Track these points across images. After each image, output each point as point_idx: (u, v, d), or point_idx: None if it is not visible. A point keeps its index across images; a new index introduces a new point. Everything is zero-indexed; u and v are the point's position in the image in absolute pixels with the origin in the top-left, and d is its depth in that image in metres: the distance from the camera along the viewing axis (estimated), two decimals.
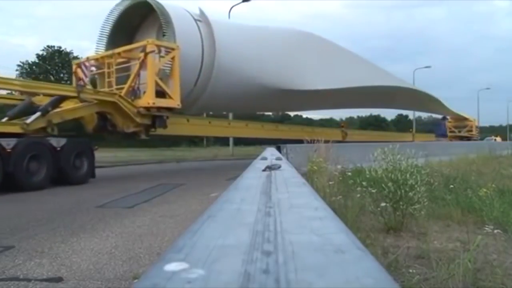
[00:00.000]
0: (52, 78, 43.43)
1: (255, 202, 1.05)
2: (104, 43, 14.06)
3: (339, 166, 7.82)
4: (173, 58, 12.07)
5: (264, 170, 2.04)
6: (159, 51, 11.89)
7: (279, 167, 2.21)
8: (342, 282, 0.48)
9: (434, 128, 33.98)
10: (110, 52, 13.08)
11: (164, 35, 12.60)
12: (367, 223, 4.79)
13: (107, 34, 14.18)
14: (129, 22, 14.24)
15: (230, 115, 28.81)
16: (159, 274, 0.49)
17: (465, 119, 35.96)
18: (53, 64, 46.49)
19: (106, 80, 12.79)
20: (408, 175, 4.81)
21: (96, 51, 14.07)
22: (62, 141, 10.45)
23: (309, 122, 52.22)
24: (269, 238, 0.68)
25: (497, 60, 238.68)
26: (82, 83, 12.96)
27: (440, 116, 36.93)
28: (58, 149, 10.25)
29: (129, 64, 12.71)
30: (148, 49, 11.57)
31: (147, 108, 12.00)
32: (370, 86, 19.69)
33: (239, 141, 35.07)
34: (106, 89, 12.43)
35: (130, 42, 13.46)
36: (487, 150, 17.36)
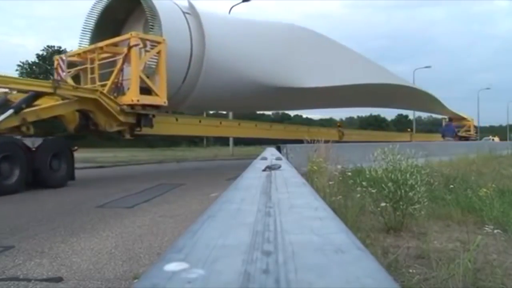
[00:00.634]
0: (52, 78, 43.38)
1: (255, 202, 1.05)
2: (88, 38, 13.22)
3: (339, 166, 7.81)
4: (159, 52, 11.36)
5: (264, 170, 2.04)
6: (145, 46, 11.20)
7: (279, 167, 2.21)
8: (342, 282, 0.48)
9: (444, 129, 34.27)
10: (92, 46, 12.33)
11: (151, 29, 11.81)
12: (367, 223, 4.80)
13: (90, 28, 13.31)
14: (114, 16, 13.37)
15: (230, 115, 28.80)
16: (159, 274, 0.49)
17: (463, 119, 35.94)
18: (53, 64, 46.46)
19: (89, 76, 12.08)
20: (408, 175, 4.81)
21: (80, 45, 13.22)
22: (38, 141, 9.75)
23: (309, 122, 52.23)
24: (269, 238, 0.68)
25: (497, 60, 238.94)
26: (59, 78, 12.02)
27: (440, 117, 36.95)
28: (33, 149, 9.50)
29: (114, 59, 11.89)
30: (131, 43, 10.86)
31: (131, 106, 11.28)
32: (369, 84, 19.06)
33: (239, 141, 35.06)
34: (89, 86, 11.67)
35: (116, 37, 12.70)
36: (487, 150, 17.35)
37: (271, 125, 20.61)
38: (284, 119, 50.37)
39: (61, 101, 10.68)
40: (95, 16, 13.34)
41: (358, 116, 77.41)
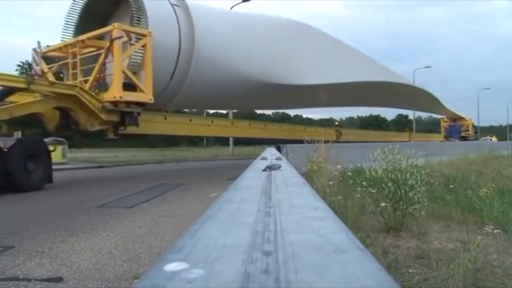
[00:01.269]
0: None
1: (255, 202, 1.05)
2: (72, 32, 12.25)
3: (339, 166, 7.81)
4: (144, 46, 10.60)
5: (264, 170, 2.04)
6: (130, 39, 10.47)
7: (279, 167, 2.21)
8: (342, 282, 0.48)
9: (450, 130, 34.66)
10: (73, 40, 11.50)
11: (137, 22, 11.02)
12: (367, 223, 4.79)
13: (74, 22, 12.33)
14: (100, 9, 12.51)
15: (230, 114, 28.72)
16: (159, 274, 0.49)
17: (462, 118, 35.97)
18: (53, 64, 46.43)
19: (70, 71, 11.36)
20: (408, 175, 4.81)
21: (62, 39, 12.24)
22: (11, 141, 9.12)
23: (309, 122, 52.21)
24: (269, 238, 0.68)
25: (497, 60, 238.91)
26: (33, 72, 11.22)
27: (440, 117, 36.99)
28: (6, 150, 8.83)
29: (98, 53, 11.02)
30: (114, 35, 10.13)
31: (114, 103, 10.48)
32: (369, 82, 18.45)
33: (239, 141, 35.07)
34: (71, 82, 10.96)
35: None
36: (487, 150, 17.36)
37: (266, 124, 19.74)
38: (284, 119, 50.40)
39: (38, 98, 9.93)
40: (79, 8, 12.49)
41: (358, 116, 77.50)
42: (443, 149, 16.96)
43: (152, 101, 10.92)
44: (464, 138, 33.97)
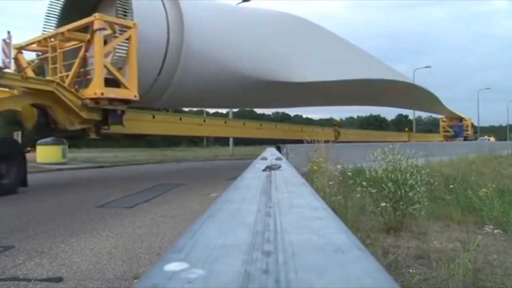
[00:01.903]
0: None
1: (255, 202, 1.05)
2: (54, 24, 11.27)
3: (339, 166, 7.82)
4: (129, 38, 9.80)
5: (264, 170, 2.04)
6: (114, 31, 9.77)
7: (279, 167, 2.21)
8: (342, 282, 0.48)
9: (456, 130, 35.10)
10: (53, 32, 10.69)
11: (125, 14, 10.19)
12: (367, 223, 4.80)
13: (56, 13, 11.36)
14: (84, 0, 11.54)
15: (230, 114, 28.65)
16: (159, 274, 0.49)
17: (460, 118, 36.03)
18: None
19: (50, 66, 10.61)
20: (408, 175, 4.81)
21: (43, 31, 11.28)
22: None
23: (309, 122, 52.19)
24: (269, 238, 0.68)
25: (497, 60, 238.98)
26: (3, 65, 10.27)
27: (439, 116, 37.01)
28: None
29: (80, 46, 10.21)
30: (95, 26, 9.33)
31: (95, 100, 9.65)
32: (369, 80, 17.64)
33: (239, 141, 35.07)
34: (50, 77, 10.27)
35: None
36: (487, 150, 17.36)
37: (261, 124, 18.72)
38: (284, 119, 50.36)
39: (12, 94, 9.34)
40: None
41: (358, 116, 77.48)
42: (443, 149, 16.97)
43: (137, 98, 10.07)
44: (464, 138, 34.08)
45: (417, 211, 4.70)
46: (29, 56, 11.74)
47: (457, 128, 35.69)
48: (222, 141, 38.38)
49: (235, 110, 30.30)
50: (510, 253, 3.73)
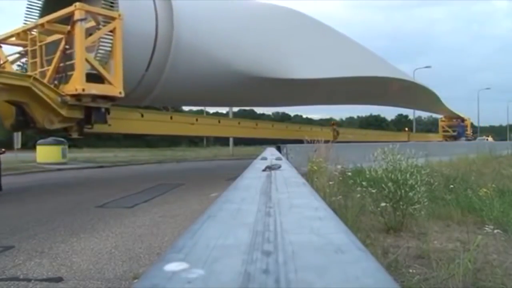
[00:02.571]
0: None
1: (255, 202, 1.05)
2: (37, 16, 10.39)
3: (339, 166, 7.82)
4: (113, 30, 9.05)
5: (264, 170, 2.04)
6: (98, 23, 9.08)
7: (279, 167, 2.21)
8: (342, 282, 0.48)
9: (459, 130, 35.46)
10: (32, 24, 9.91)
11: (112, 5, 9.36)
12: (367, 223, 4.80)
13: (39, 4, 10.50)
14: None
15: (230, 113, 28.58)
16: (159, 274, 0.49)
17: (460, 118, 36.04)
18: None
19: (30, 61, 9.91)
20: (408, 175, 4.81)
21: (25, 23, 10.36)
22: None
23: (309, 122, 52.19)
24: (269, 238, 0.68)
25: (497, 60, 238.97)
26: None
27: (440, 116, 37.02)
28: None
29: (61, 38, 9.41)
30: (75, 17, 8.60)
31: (76, 97, 8.88)
32: (369, 77, 16.96)
33: (239, 141, 35.08)
34: (31, 72, 9.49)
35: None
36: (487, 150, 17.35)
37: (257, 123, 17.84)
38: (284, 119, 50.37)
39: None
40: None
41: (358, 116, 77.47)
42: (443, 149, 16.96)
43: (123, 94, 9.29)
44: (457, 138, 34.10)
45: (417, 211, 4.70)
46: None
47: (460, 128, 35.90)
48: (222, 141, 38.37)
49: (235, 110, 30.24)
50: (510, 253, 3.73)
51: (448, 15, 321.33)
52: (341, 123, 44.93)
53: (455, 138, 33.98)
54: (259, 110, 51.45)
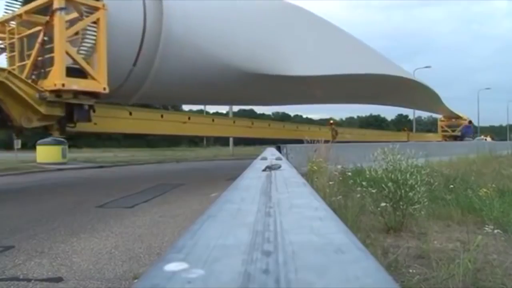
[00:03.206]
0: None
1: (255, 202, 1.05)
2: (19, 6, 9.43)
3: (339, 166, 7.82)
4: (96, 22, 8.46)
5: (264, 170, 2.04)
6: (81, 14, 8.44)
7: (279, 167, 2.20)
8: (342, 282, 0.48)
9: (465, 131, 35.80)
10: (9, 15, 9.23)
11: None
12: (367, 223, 4.80)
13: None
14: None
15: (230, 113, 28.52)
16: (159, 274, 0.49)
17: (459, 117, 35.99)
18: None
19: (8, 55, 9.33)
20: (408, 175, 4.81)
21: (5, 13, 9.56)
22: None
23: (309, 122, 52.17)
24: (269, 238, 0.68)
25: (497, 60, 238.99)
26: None
27: (439, 116, 37.01)
28: None
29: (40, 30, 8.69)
30: (55, 5, 8.03)
31: (56, 93, 8.21)
32: (370, 74, 16.30)
33: (239, 142, 35.10)
34: (9, 67, 8.89)
35: None
36: (487, 150, 17.35)
37: (253, 122, 17.08)
38: (284, 119, 50.38)
39: None
40: None
41: (358, 116, 77.48)
42: (443, 149, 16.95)
43: (107, 90, 8.64)
44: (462, 138, 34.06)
45: (417, 211, 4.70)
46: None
47: (467, 129, 36.22)
48: (222, 141, 38.39)
49: (235, 110, 30.21)
50: (510, 253, 3.73)
51: (448, 15, 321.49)
52: (341, 123, 44.79)
53: (455, 138, 33.95)
54: (259, 110, 51.44)
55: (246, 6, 12.69)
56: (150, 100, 13.88)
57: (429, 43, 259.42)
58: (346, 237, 0.68)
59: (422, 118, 63.89)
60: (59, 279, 3.51)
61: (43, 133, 11.16)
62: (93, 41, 8.50)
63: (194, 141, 44.93)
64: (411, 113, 44.16)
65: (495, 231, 4.08)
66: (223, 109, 35.82)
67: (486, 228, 4.18)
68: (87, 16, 8.42)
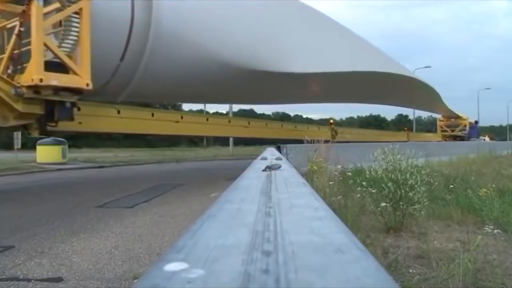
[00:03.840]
0: None
1: (255, 202, 1.05)
2: None
3: (339, 166, 7.82)
4: (79, 12, 7.80)
5: (264, 170, 2.04)
6: (62, 4, 7.81)
7: (279, 167, 2.20)
8: (342, 282, 0.48)
9: (470, 131, 36.16)
10: None
11: None
12: (367, 223, 4.80)
13: None
14: None
15: (230, 112, 28.46)
16: (159, 274, 0.49)
17: (459, 117, 35.95)
18: None
19: None
20: (408, 175, 4.81)
21: None
22: None
23: (309, 122, 52.14)
24: (269, 238, 0.68)
25: (497, 60, 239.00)
26: None
27: (438, 116, 37.00)
28: None
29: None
30: None
31: (34, 89, 7.53)
32: (371, 72, 15.75)
33: (239, 141, 35.09)
34: None
35: None
36: (487, 150, 17.36)
37: (250, 122, 16.50)
38: (284, 119, 50.40)
39: None
40: None
41: (358, 116, 77.49)
42: (443, 149, 16.95)
43: (90, 87, 7.95)
44: (461, 138, 34.01)
45: (417, 211, 4.69)
46: None
47: (471, 129, 36.55)
48: (222, 141, 38.37)
49: (235, 110, 30.16)
50: (510, 253, 3.73)
51: (448, 15, 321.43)
52: (341, 123, 44.76)
53: (455, 138, 33.92)
54: (259, 110, 51.50)
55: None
56: (141, 98, 13.14)
57: (429, 43, 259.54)
58: (346, 237, 0.68)
59: (422, 118, 63.87)
60: (59, 279, 3.51)
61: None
62: (76, 34, 7.82)
63: (194, 141, 44.93)
64: (411, 113, 44.13)
65: (495, 231, 4.08)
66: (223, 109, 35.84)
67: (486, 228, 4.18)
68: (68, 6, 7.79)
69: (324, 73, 13.45)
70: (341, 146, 10.86)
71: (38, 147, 17.72)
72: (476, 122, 37.85)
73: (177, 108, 29.76)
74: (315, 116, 68.30)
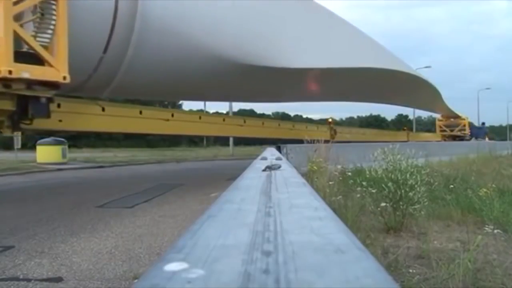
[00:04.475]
0: None
1: (255, 202, 1.05)
2: None
3: (339, 166, 7.82)
4: None
5: (264, 170, 2.04)
6: None
7: (279, 167, 2.20)
8: (342, 282, 0.48)
9: (477, 131, 36.69)
10: None
11: None
12: (367, 223, 4.80)
13: None
14: None
15: (230, 112, 28.40)
16: (159, 274, 0.49)
17: (458, 117, 35.87)
18: None
19: None
20: (408, 175, 4.81)
21: None
22: None
23: (309, 122, 52.08)
24: (269, 238, 0.68)
25: (497, 59, 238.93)
26: None
27: (438, 115, 36.98)
28: None
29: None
30: None
31: (3, 82, 6.74)
32: (373, 68, 15.13)
33: (239, 141, 35.08)
34: None
35: None
36: (487, 150, 17.36)
37: (245, 120, 15.78)
38: (284, 119, 50.37)
39: None
40: None
41: (358, 116, 77.53)
42: (443, 149, 16.96)
43: (68, 80, 7.10)
44: (461, 138, 33.96)
45: (417, 211, 4.70)
46: None
47: (477, 130, 36.98)
48: (222, 141, 38.36)
49: (235, 110, 30.12)
50: (510, 253, 3.73)
51: (448, 15, 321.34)
52: (341, 123, 44.74)
53: (454, 138, 33.92)
54: (259, 110, 51.50)
55: None
56: (128, 94, 12.17)
57: (429, 43, 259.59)
58: (346, 237, 0.68)
59: (422, 118, 63.90)
60: (59, 279, 3.51)
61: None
62: (54, 22, 7.03)
63: (194, 141, 44.95)
64: (411, 113, 44.12)
65: (495, 231, 4.08)
66: (224, 109, 35.84)
67: (486, 228, 4.18)
68: None
69: (326, 69, 12.83)
70: (341, 146, 10.85)
71: (38, 147, 17.72)
72: (483, 123, 38.48)
73: (177, 108, 29.73)
74: (315, 116, 68.28)
